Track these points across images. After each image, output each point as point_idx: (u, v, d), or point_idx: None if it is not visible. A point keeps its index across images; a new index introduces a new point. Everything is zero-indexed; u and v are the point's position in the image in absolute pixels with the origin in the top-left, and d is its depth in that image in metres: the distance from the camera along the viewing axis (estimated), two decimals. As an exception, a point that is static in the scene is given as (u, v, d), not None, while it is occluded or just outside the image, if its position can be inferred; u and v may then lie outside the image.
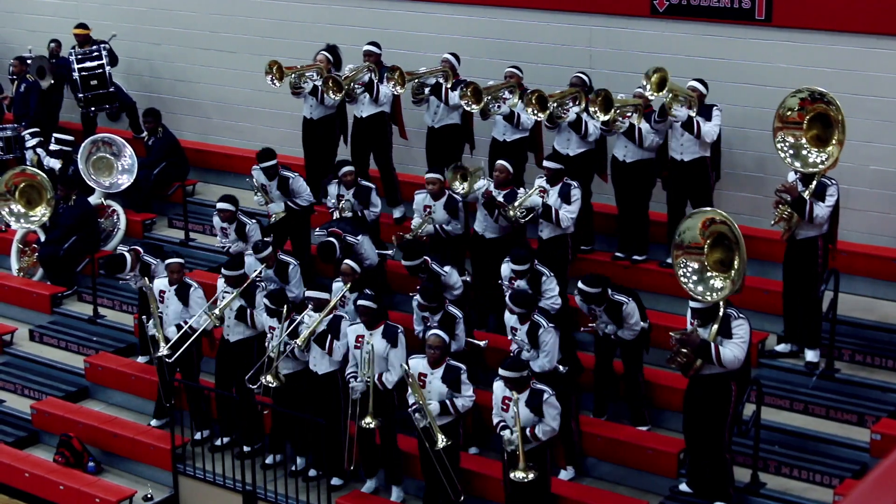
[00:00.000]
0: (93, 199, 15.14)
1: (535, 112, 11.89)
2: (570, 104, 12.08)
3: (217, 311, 11.66)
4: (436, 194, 12.39)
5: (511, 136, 12.88)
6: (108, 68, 15.93)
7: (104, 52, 15.95)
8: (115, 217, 15.04)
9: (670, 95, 11.44)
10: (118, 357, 13.45)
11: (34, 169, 15.29)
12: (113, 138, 15.42)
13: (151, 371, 12.63)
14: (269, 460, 11.77)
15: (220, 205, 13.04)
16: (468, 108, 12.27)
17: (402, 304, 12.63)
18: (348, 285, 11.47)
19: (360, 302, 10.92)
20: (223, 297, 11.71)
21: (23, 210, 14.99)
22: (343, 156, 14.09)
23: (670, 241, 10.17)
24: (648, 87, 11.36)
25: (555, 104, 11.95)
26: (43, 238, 14.99)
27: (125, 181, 15.26)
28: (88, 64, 15.89)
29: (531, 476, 9.80)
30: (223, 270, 11.84)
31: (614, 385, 11.27)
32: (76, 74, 15.82)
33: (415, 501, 11.19)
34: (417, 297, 11.29)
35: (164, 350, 11.75)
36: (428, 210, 12.46)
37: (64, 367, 13.80)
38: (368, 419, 10.77)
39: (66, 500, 11.91)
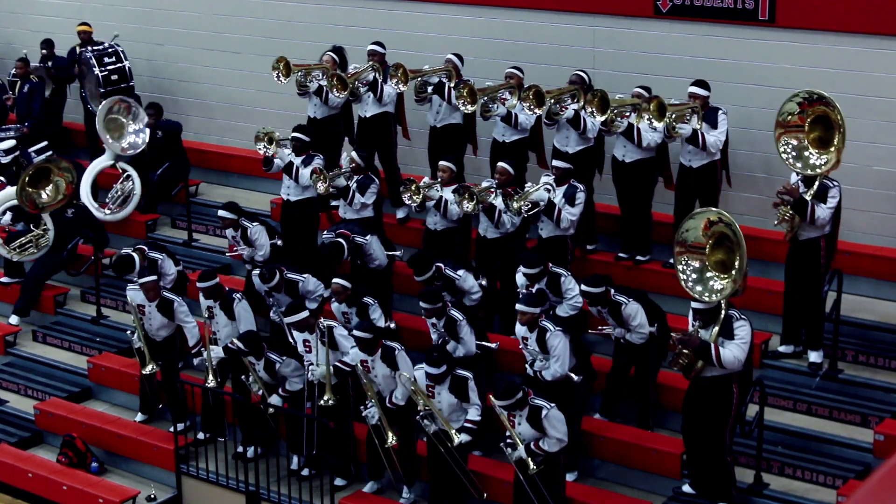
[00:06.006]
0: (104, 161, 14.99)
1: (532, 108, 11.87)
2: (569, 101, 12.07)
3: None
4: (446, 182, 12.33)
5: (510, 138, 12.83)
6: (126, 62, 15.86)
7: (119, 49, 15.92)
8: (131, 182, 14.88)
9: (674, 116, 11.45)
10: (121, 357, 13.44)
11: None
12: (133, 102, 15.13)
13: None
14: (250, 454, 11.81)
15: (220, 212, 12.85)
16: (464, 109, 12.25)
17: (409, 305, 12.61)
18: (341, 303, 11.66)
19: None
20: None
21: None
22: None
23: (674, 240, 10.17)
24: (649, 118, 11.40)
25: (552, 101, 11.95)
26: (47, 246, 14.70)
27: (141, 142, 14.91)
28: (107, 60, 15.84)
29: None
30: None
31: (626, 389, 11.21)
32: (97, 70, 15.72)
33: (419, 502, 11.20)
34: (420, 303, 11.18)
35: (149, 368, 12.17)
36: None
37: (67, 368, 13.81)
38: (391, 437, 10.76)
39: (69, 501, 11.91)
